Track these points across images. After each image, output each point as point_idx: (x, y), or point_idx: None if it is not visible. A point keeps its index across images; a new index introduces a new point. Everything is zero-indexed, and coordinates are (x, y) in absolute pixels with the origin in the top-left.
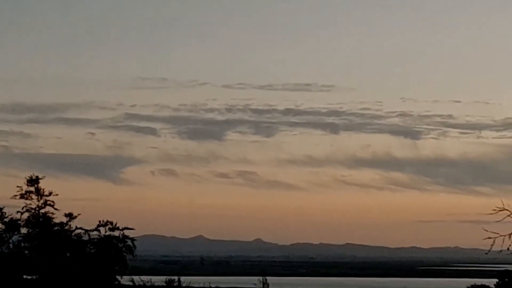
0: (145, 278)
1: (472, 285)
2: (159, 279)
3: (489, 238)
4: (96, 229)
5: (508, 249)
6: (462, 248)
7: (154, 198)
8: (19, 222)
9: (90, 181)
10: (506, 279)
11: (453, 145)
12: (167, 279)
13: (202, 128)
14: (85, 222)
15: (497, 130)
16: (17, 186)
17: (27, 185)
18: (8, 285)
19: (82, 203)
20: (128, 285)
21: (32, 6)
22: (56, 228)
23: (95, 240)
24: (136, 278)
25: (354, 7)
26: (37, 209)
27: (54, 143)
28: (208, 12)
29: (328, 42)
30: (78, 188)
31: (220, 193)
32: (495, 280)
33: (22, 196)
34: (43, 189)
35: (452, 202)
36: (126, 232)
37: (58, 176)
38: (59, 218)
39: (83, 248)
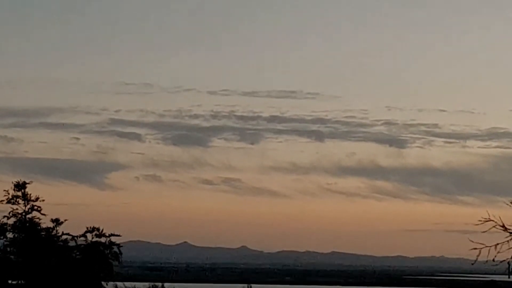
0: (129, 284)
1: None
2: (143, 286)
3: (475, 248)
4: (83, 235)
5: (493, 260)
6: (448, 258)
7: (139, 204)
8: (6, 226)
9: (74, 186)
10: None
11: (438, 154)
12: (151, 285)
13: (187, 134)
14: (70, 227)
15: (482, 140)
16: (4, 190)
17: (14, 190)
18: None
19: (65, 208)
20: None
21: (16, 11)
22: (42, 233)
23: (82, 246)
24: (120, 284)
25: (340, 16)
26: (23, 214)
27: (38, 147)
28: (194, 18)
29: (314, 49)
30: (62, 193)
31: (204, 200)
32: None
33: (8, 201)
34: (30, 194)
35: (438, 211)
36: (113, 239)
37: (42, 180)
38: (45, 223)
39: (69, 253)
